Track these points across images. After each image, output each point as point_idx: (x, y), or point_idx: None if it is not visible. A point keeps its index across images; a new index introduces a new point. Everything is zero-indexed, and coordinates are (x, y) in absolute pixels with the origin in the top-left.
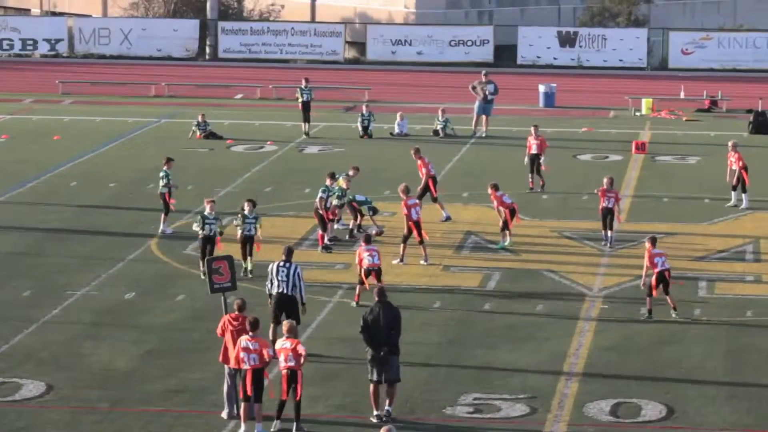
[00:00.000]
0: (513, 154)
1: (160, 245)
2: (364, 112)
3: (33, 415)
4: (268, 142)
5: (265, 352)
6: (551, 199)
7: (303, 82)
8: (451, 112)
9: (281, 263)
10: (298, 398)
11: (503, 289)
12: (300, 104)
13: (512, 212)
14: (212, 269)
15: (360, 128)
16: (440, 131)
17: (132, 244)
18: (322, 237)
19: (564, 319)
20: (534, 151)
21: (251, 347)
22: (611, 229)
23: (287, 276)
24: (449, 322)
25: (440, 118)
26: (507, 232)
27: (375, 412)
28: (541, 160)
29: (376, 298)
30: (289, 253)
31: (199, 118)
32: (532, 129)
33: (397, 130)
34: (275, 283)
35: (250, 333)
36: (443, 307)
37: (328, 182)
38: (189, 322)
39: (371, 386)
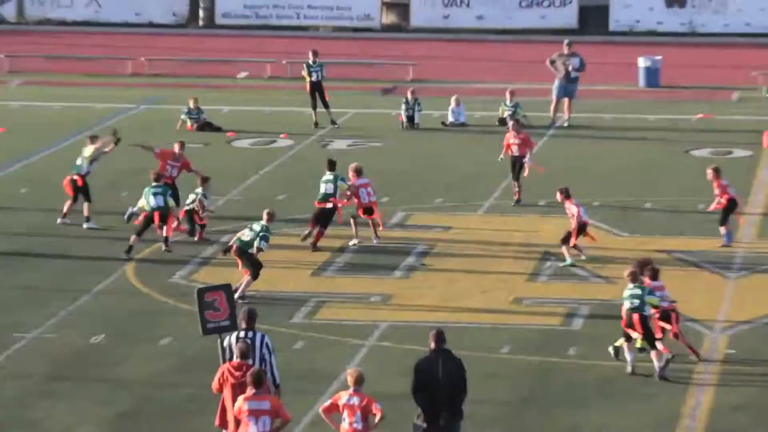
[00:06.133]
0: (605, 150)
1: (137, 271)
2: (409, 98)
3: None
4: (282, 135)
5: (281, 412)
6: (655, 210)
7: (310, 56)
8: (522, 95)
9: (241, 333)
10: None
11: (593, 328)
12: (308, 85)
13: (581, 227)
14: (204, 303)
15: (404, 117)
16: (508, 119)
17: (100, 270)
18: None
19: (676, 367)
20: (515, 153)
21: (258, 408)
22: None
23: (253, 350)
24: (522, 373)
25: (508, 103)
26: (566, 247)
27: None
28: (525, 161)
29: (433, 345)
30: (250, 318)
31: (191, 104)
32: (511, 124)
33: (451, 118)
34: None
35: (254, 390)
36: (514, 353)
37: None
38: (176, 375)
39: None
